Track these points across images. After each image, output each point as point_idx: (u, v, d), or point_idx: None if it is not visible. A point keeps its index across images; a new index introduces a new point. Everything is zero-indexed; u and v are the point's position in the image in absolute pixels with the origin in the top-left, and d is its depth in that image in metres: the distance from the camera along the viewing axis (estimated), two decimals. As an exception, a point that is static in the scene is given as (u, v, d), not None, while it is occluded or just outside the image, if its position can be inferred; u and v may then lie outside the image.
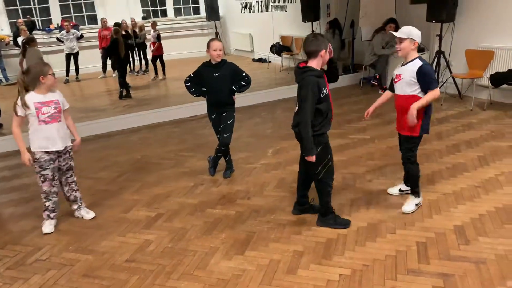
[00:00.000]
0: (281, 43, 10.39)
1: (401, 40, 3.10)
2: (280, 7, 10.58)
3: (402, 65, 3.21)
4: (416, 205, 3.40)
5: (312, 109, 2.86)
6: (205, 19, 13.40)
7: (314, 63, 2.89)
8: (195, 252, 3.00)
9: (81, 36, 10.46)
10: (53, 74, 3.23)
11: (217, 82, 3.94)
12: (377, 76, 7.30)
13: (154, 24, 10.18)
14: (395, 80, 3.26)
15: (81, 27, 11.50)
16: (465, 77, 6.32)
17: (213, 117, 4.15)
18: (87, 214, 3.62)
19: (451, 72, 6.60)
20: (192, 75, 4.07)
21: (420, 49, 7.00)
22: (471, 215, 3.24)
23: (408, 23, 7.82)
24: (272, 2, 10.84)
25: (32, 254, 3.10)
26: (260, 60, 11.48)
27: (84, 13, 12.28)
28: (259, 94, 7.48)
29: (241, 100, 7.09)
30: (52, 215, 3.44)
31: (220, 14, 13.26)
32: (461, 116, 5.71)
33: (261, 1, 11.48)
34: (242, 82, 4.02)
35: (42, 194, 3.38)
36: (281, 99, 7.43)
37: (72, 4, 12.02)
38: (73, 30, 10.20)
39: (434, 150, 4.58)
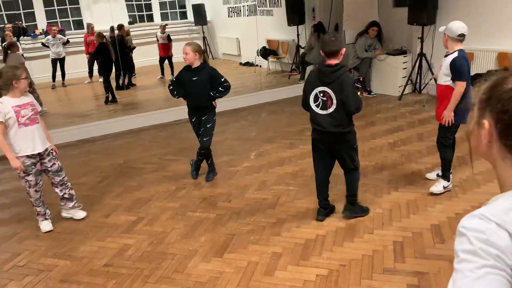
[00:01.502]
0: (267, 46, 10.44)
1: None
2: (266, 11, 10.64)
3: (445, 56, 3.43)
4: (445, 187, 3.56)
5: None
6: (193, 24, 13.41)
7: (334, 62, 2.99)
8: (174, 255, 3.00)
9: (67, 41, 10.41)
10: (25, 78, 3.22)
11: (196, 86, 3.95)
12: (361, 79, 7.36)
13: (163, 27, 10.27)
14: (439, 70, 3.49)
15: (67, 32, 11.44)
16: (446, 78, 6.40)
17: (193, 120, 4.17)
18: (78, 213, 3.63)
19: (432, 73, 6.68)
20: (174, 79, 4.12)
21: (403, 52, 7.11)
22: (448, 214, 3.29)
23: (390, 26, 7.93)
24: (258, 7, 10.90)
25: (9, 261, 3.08)
26: (248, 63, 11.52)
27: (70, 18, 12.22)
28: (245, 97, 7.50)
29: (227, 103, 7.13)
30: (47, 215, 3.49)
31: (208, 18, 13.28)
32: (443, 117, 5.78)
33: (247, 6, 11.54)
34: (220, 88, 4.02)
35: (31, 199, 3.37)
36: (267, 102, 7.46)
37: (58, 9, 11.96)
38: (59, 35, 10.14)
39: (415, 151, 4.64)
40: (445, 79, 3.38)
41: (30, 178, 3.27)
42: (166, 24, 10.65)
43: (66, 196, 3.55)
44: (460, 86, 3.27)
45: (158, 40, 10.32)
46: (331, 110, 3.00)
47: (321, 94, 3.00)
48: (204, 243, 3.13)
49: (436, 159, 4.33)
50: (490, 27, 5.92)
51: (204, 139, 4.10)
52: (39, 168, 3.35)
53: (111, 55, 8.02)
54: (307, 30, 9.00)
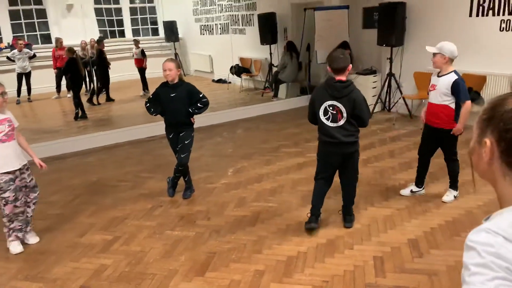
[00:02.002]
0: (240, 64, 10.55)
1: (434, 54, 3.48)
2: (239, 30, 10.78)
3: (438, 75, 3.52)
4: (455, 196, 3.77)
5: None
6: (164, 40, 13.39)
7: (344, 77, 3.13)
8: (154, 275, 2.92)
9: (34, 55, 10.13)
10: (1, 94, 3.11)
11: (174, 102, 3.91)
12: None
13: (137, 42, 10.41)
14: (430, 89, 3.60)
15: (34, 46, 11.14)
16: (414, 97, 6.68)
17: (170, 137, 4.12)
18: (33, 238, 3.45)
19: (401, 93, 6.95)
20: (151, 96, 4.07)
21: (372, 72, 7.35)
22: (424, 228, 3.38)
23: (360, 47, 8.20)
24: (231, 25, 11.03)
25: (-24, 285, 2.90)
26: (220, 81, 11.57)
27: (38, 32, 11.92)
28: (220, 114, 7.51)
29: (202, 119, 7.07)
30: (20, 234, 3.30)
31: (180, 35, 13.31)
32: (412, 135, 5.99)
33: (220, 24, 11.66)
34: (199, 104, 4.00)
35: (4, 218, 3.20)
36: (242, 118, 7.49)
37: (25, 23, 11.65)
38: (25, 50, 9.87)
39: (388, 167, 4.77)
40: (444, 98, 3.51)
41: (7, 194, 3.13)
42: (138, 40, 10.71)
43: (30, 216, 3.41)
44: (469, 104, 3.46)
45: (133, 56, 10.50)
46: (341, 122, 3.17)
47: (331, 108, 3.14)
48: (185, 262, 3.07)
49: (408, 175, 4.49)
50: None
51: (182, 156, 4.05)
52: (18, 184, 3.22)
53: (81, 71, 7.88)
54: (279, 49, 9.18)
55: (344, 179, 3.44)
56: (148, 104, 4.05)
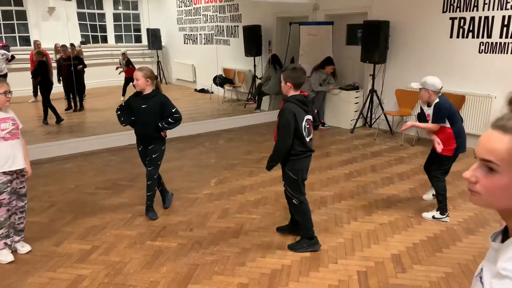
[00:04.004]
0: (223, 75, 10.54)
1: (419, 89, 3.68)
2: (223, 41, 10.80)
3: (428, 106, 3.72)
4: (434, 217, 3.83)
5: None
6: (147, 48, 13.28)
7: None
8: (134, 287, 2.83)
9: (12, 57, 9.87)
10: (4, 93, 3.00)
11: (144, 114, 3.68)
12: (316, 111, 7.60)
13: (124, 54, 10.52)
14: (427, 118, 3.78)
15: (12, 48, 10.85)
16: (395, 114, 6.80)
17: (139, 149, 3.91)
18: (23, 247, 3.29)
19: (383, 109, 7.07)
20: (122, 104, 3.82)
21: (355, 87, 7.46)
22: (406, 244, 3.41)
23: (344, 63, 8.31)
24: (215, 36, 11.05)
25: None
26: (203, 90, 11.53)
27: (17, 34, 11.63)
28: (202, 124, 7.45)
29: (184, 129, 7.04)
30: (9, 241, 3.14)
31: (163, 43, 13.24)
32: (393, 151, 6.09)
33: (204, 34, 11.66)
34: (170, 119, 3.73)
35: None
36: (224, 129, 7.46)
37: (3, 23, 11.36)
38: (2, 51, 9.61)
39: (370, 182, 4.81)
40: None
41: (3, 196, 2.99)
42: (125, 52, 10.76)
43: (19, 228, 3.25)
44: (435, 127, 3.67)
45: (120, 67, 10.55)
46: (312, 134, 3.22)
47: (306, 123, 3.14)
48: (166, 274, 2.98)
49: (390, 190, 4.54)
50: (435, 68, 6.41)
51: (149, 169, 3.82)
52: (14, 187, 3.09)
53: (50, 75, 7.71)
54: (263, 62, 9.23)
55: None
56: (118, 112, 3.81)
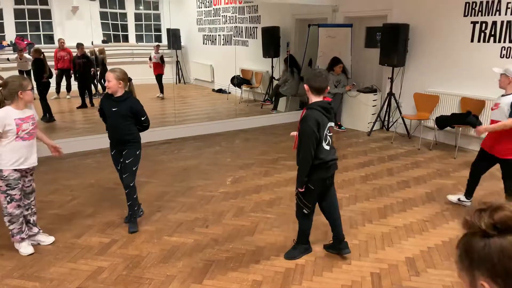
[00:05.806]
0: (241, 76, 10.62)
1: (500, 74, 3.67)
2: (242, 42, 10.89)
3: (502, 95, 3.67)
4: (459, 200, 4.08)
5: None
6: (167, 47, 13.47)
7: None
8: (151, 280, 2.91)
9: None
10: (32, 89, 3.12)
11: (114, 117, 3.54)
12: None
13: (157, 47, 10.86)
14: (493, 107, 3.74)
15: (37, 46, 11.15)
16: (413, 118, 6.76)
17: (112, 153, 3.74)
18: (47, 238, 3.42)
19: (400, 112, 7.03)
20: (99, 107, 3.72)
21: (373, 90, 7.44)
22: (421, 247, 3.40)
23: (362, 65, 8.29)
24: (234, 37, 11.14)
25: (-30, 281, 2.87)
26: (220, 90, 11.63)
27: (41, 32, 11.95)
28: (219, 123, 7.54)
29: (201, 128, 7.14)
30: (24, 235, 3.24)
31: (182, 43, 13.41)
32: (410, 154, 6.06)
33: (223, 35, 11.77)
34: (137, 126, 3.64)
35: (5, 217, 3.15)
36: (241, 129, 7.53)
37: (29, 22, 11.68)
38: (28, 56, 9.87)
39: (386, 185, 4.80)
40: (502, 116, 3.63)
41: (14, 192, 3.11)
42: (159, 45, 11.12)
43: (32, 222, 3.37)
44: (508, 121, 3.56)
45: (150, 59, 10.80)
46: (331, 142, 3.03)
47: (328, 131, 2.95)
48: (182, 269, 3.06)
49: (406, 194, 4.53)
50: (454, 72, 6.36)
51: (124, 176, 3.62)
52: (23, 184, 3.21)
53: (46, 72, 7.83)
54: (281, 63, 9.27)
55: (330, 201, 3.22)
56: (102, 118, 3.74)
